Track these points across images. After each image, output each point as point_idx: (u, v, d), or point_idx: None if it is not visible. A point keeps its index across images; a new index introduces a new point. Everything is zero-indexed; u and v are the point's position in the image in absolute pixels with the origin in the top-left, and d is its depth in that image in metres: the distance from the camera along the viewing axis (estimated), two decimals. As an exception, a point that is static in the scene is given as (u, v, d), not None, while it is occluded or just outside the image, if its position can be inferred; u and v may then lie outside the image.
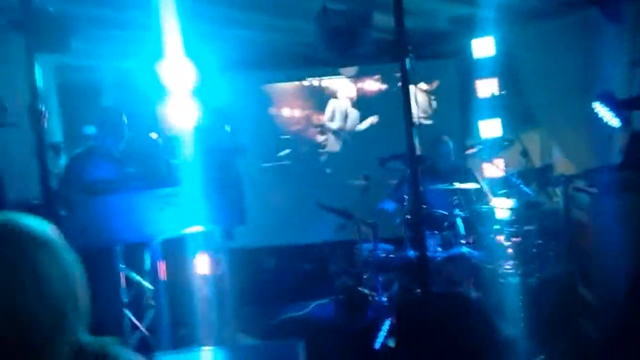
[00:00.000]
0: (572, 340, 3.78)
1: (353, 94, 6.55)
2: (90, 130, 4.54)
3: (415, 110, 3.28)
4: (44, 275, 1.00)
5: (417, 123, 5.97)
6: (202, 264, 4.34)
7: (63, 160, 4.39)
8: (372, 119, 6.46)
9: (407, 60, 3.42)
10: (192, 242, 4.18)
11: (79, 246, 3.39)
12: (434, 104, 6.52)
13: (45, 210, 3.29)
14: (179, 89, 4.79)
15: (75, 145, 4.45)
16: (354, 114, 6.57)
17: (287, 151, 6.36)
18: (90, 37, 4.88)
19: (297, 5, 4.84)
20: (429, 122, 6.39)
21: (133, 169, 4.17)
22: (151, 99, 5.02)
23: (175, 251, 4.11)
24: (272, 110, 6.44)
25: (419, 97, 6.38)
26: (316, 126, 6.53)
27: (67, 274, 1.05)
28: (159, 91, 4.82)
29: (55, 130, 5.36)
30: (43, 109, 3.29)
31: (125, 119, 4.19)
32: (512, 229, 4.15)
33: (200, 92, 4.93)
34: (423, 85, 6.53)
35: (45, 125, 3.34)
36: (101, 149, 4.16)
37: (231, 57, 5.94)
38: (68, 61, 5.36)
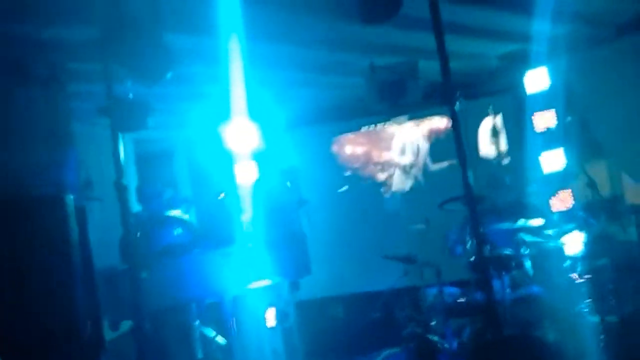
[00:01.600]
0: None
1: (424, 129, 6.59)
2: (167, 193, 4.91)
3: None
4: None
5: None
6: (271, 318, 4.48)
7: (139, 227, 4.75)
8: (449, 162, 6.38)
9: (457, 103, 3.53)
10: (261, 296, 4.36)
11: (159, 305, 3.68)
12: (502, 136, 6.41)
13: (129, 274, 3.60)
14: (245, 150, 5.13)
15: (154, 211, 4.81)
16: (425, 149, 6.56)
17: (345, 188, 6.43)
18: (163, 112, 5.36)
19: (349, 64, 5.11)
20: (493, 157, 6.29)
21: (203, 230, 4.47)
22: (219, 161, 5.39)
23: (246, 306, 4.29)
24: (335, 161, 6.64)
25: (486, 131, 6.33)
26: (377, 164, 6.59)
27: None
28: (227, 154, 5.18)
29: (132, 198, 5.84)
30: (126, 183, 3.66)
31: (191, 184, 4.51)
32: (584, 265, 3.99)
33: (265, 152, 5.24)
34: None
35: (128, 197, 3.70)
36: (174, 213, 4.51)
37: (293, 116, 6.30)
38: (145, 134, 5.89)
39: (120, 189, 3.67)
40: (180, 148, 6.50)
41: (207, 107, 5.57)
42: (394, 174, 6.64)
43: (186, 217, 4.50)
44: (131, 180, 5.90)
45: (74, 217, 3.38)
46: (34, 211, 3.35)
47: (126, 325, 3.97)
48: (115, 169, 3.76)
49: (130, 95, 4.24)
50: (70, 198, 3.38)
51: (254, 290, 4.22)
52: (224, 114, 5.04)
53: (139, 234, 4.20)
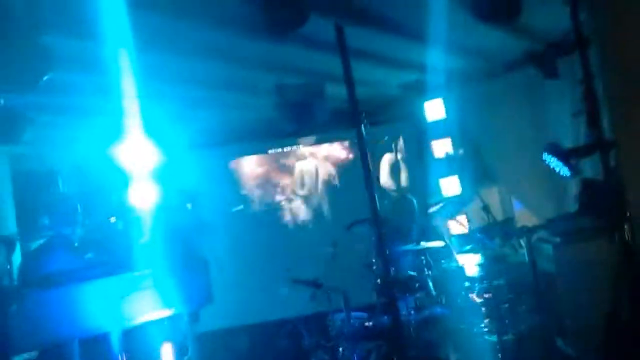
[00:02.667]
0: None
1: (321, 155, 6.60)
2: (45, 220, 4.39)
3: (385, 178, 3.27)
4: None
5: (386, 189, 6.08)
6: (168, 353, 4.10)
7: (17, 254, 4.20)
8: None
9: (362, 127, 3.53)
10: (156, 329, 3.98)
11: (33, 343, 3.17)
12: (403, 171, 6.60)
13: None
14: (139, 171, 4.76)
15: (31, 236, 4.29)
16: (326, 175, 6.59)
17: (240, 207, 6.25)
18: (43, 125, 4.83)
19: (254, 83, 4.98)
20: (393, 190, 6.45)
21: (93, 256, 4.02)
22: (109, 183, 4.95)
23: (138, 340, 3.88)
24: (238, 185, 6.43)
25: (387, 165, 6.49)
26: (280, 188, 6.50)
27: None
28: (118, 174, 4.76)
29: (9, 221, 5.18)
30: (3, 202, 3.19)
31: (78, 206, 4.08)
32: (482, 285, 4.14)
33: (162, 173, 4.90)
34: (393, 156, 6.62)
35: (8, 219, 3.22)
36: (58, 239, 4.01)
37: (193, 136, 6.00)
38: (21, 150, 5.28)
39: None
40: (66, 167, 5.90)
41: (98, 123, 5.13)
42: (295, 201, 6.57)
43: (72, 241, 4.01)
44: (7, 201, 5.26)
45: None
46: None
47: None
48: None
49: (2, 102, 3.75)
50: None
51: (147, 323, 3.83)
52: (117, 131, 4.65)
53: (9, 260, 3.67)
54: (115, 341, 3.62)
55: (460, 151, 5.99)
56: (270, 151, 6.54)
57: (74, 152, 5.73)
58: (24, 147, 4.88)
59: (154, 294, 3.76)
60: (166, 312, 3.78)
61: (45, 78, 3.11)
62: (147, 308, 3.70)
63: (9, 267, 3.64)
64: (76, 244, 4.08)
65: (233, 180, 6.41)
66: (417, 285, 4.13)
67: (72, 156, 5.71)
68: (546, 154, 3.74)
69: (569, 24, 3.71)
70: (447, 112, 6.02)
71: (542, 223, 4.58)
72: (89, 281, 3.55)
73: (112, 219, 4.57)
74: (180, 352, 4.15)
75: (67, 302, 3.44)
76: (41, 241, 4.03)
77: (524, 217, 5.24)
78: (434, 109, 6.07)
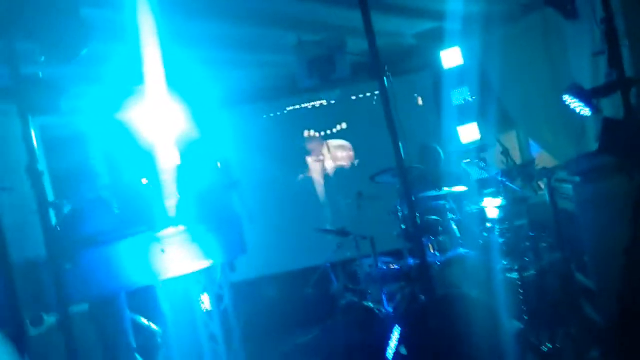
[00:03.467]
0: (576, 326, 3.88)
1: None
2: (81, 184, 4.61)
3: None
4: None
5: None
6: (206, 301, 4.38)
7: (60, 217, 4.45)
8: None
9: (384, 79, 3.61)
10: (195, 280, 4.24)
11: (86, 297, 3.46)
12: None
13: (51, 266, 3.36)
14: (170, 132, 4.91)
15: (69, 201, 4.51)
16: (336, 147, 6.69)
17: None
18: (76, 94, 5.00)
19: (275, 41, 5.03)
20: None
21: (128, 216, 4.24)
22: (140, 145, 5.12)
23: (179, 291, 4.16)
24: (263, 141, 6.57)
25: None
26: (306, 142, 6.61)
27: None
28: (148, 136, 4.93)
29: (47, 188, 5.42)
30: (41, 169, 3.39)
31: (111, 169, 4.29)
32: (504, 226, 4.27)
33: (191, 133, 5.05)
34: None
35: (44, 184, 3.43)
36: (96, 202, 4.24)
37: (220, 95, 6.11)
38: (53, 119, 5.46)
39: (35, 176, 3.40)
40: (93, 132, 6.09)
41: (127, 88, 5.27)
42: (322, 156, 6.68)
43: (110, 203, 4.24)
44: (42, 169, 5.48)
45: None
46: None
47: (51, 319, 3.72)
48: (27, 154, 3.46)
49: (41, 75, 3.90)
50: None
51: (186, 275, 4.09)
52: (147, 96, 4.79)
53: (60, 223, 3.92)
54: (158, 292, 3.90)
55: (480, 96, 6.01)
56: (291, 108, 6.64)
57: (105, 117, 5.89)
58: (56, 116, 5.07)
59: (191, 248, 4.00)
60: (203, 264, 4.03)
61: (85, 50, 3.25)
62: (185, 261, 3.94)
63: (59, 229, 3.88)
64: (113, 205, 4.32)
65: (260, 137, 6.55)
66: (440, 228, 4.29)
67: (103, 122, 5.88)
68: (567, 95, 3.77)
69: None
70: (464, 59, 6.01)
71: (562, 164, 4.66)
72: (131, 238, 3.80)
73: (144, 180, 4.77)
74: (217, 301, 4.43)
75: (113, 258, 3.70)
76: (79, 205, 4.27)
77: (544, 159, 5.30)
78: (451, 57, 6.06)
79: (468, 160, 5.18)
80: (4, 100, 3.81)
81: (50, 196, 5.45)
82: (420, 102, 6.63)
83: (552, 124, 5.44)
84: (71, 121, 5.75)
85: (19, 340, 3.27)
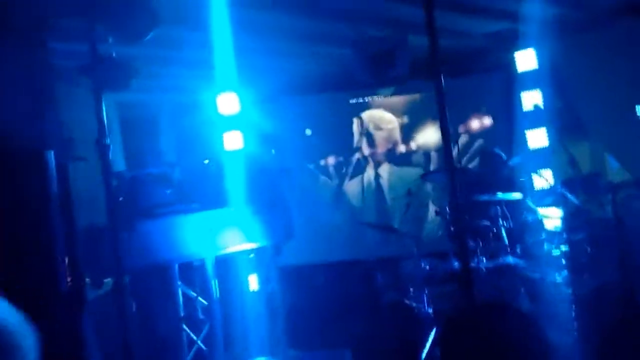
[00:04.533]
0: (630, 352, 3.65)
1: (399, 105, 6.62)
2: (148, 160, 4.90)
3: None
4: None
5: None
6: (253, 281, 4.53)
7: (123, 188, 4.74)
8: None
9: (441, 79, 3.54)
10: (244, 260, 4.40)
11: (140, 265, 3.70)
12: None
13: (111, 233, 3.61)
14: (230, 118, 5.12)
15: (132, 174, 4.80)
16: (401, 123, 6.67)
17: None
18: (148, 75, 5.30)
19: (333, 34, 5.07)
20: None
21: (190, 193, 4.47)
22: (206, 127, 5.37)
23: (228, 269, 4.34)
24: (317, 132, 6.64)
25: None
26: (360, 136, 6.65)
27: None
28: (211, 120, 5.16)
29: (118, 160, 5.80)
30: (108, 142, 3.64)
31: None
32: (560, 239, 4.08)
33: (249, 120, 5.23)
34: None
35: (110, 157, 3.69)
36: (158, 175, 4.50)
37: (277, 85, 6.25)
38: (129, 97, 5.82)
39: (102, 148, 3.66)
40: (165, 114, 6.45)
41: (195, 74, 5.52)
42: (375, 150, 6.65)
43: (171, 179, 4.49)
44: (115, 143, 5.87)
45: (54, 173, 3.36)
46: (13, 165, 3.32)
47: (110, 284, 4.00)
48: (98, 128, 3.73)
49: (114, 55, 4.18)
50: (50, 154, 3.36)
51: (237, 254, 4.25)
52: (211, 81, 5.01)
53: (122, 193, 4.19)
54: (209, 267, 4.09)
55: (552, 102, 5.74)
56: (347, 101, 6.64)
57: (175, 100, 6.22)
58: (130, 95, 5.41)
59: (242, 229, 4.16)
60: (252, 245, 4.18)
61: (152, 33, 3.46)
62: (236, 240, 4.11)
63: (120, 199, 4.16)
64: (173, 181, 4.56)
65: (316, 127, 6.60)
66: (490, 234, 4.16)
67: (172, 104, 6.21)
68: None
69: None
70: (539, 62, 5.76)
71: (633, 179, 4.38)
72: (187, 214, 4.01)
73: (207, 161, 5.00)
74: (264, 282, 4.57)
75: (169, 231, 3.92)
76: (141, 177, 4.54)
77: (619, 174, 5.00)
78: (525, 59, 5.83)
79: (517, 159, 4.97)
80: (82, 77, 4.11)
81: (119, 167, 5.85)
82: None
83: (629, 138, 5.12)
84: (145, 100, 6.09)
85: (77, 301, 3.56)
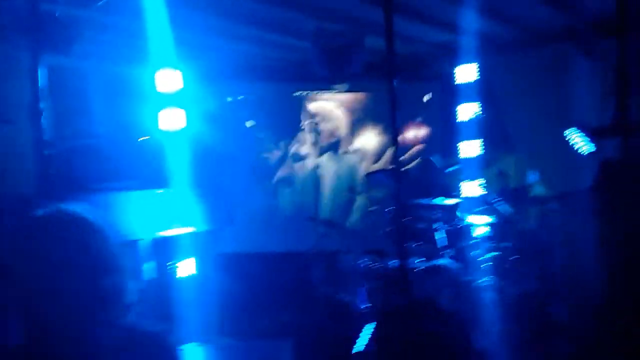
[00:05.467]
0: (540, 354, 3.95)
1: (347, 102, 6.68)
2: (78, 129, 4.60)
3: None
4: (89, 261, 1.05)
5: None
6: (190, 266, 4.40)
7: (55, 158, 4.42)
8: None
9: (394, 81, 3.62)
10: (182, 243, 4.26)
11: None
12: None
13: (34, 204, 3.34)
14: (171, 93, 4.91)
15: (64, 143, 4.48)
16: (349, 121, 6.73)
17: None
18: (86, 41, 4.95)
19: (290, 23, 5.03)
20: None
21: (125, 170, 4.24)
22: (143, 102, 5.11)
23: (164, 251, 4.17)
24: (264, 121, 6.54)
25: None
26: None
27: (112, 260, 1.11)
28: (151, 95, 4.92)
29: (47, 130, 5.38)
30: (42, 106, 3.37)
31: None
32: (489, 245, 4.34)
33: (192, 98, 5.05)
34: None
35: (44, 122, 3.42)
36: (93, 148, 4.23)
37: (224, 66, 6.08)
38: (61, 62, 5.41)
39: (36, 112, 3.39)
40: (99, 85, 6.05)
41: (136, 45, 5.24)
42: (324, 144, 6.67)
43: (107, 154, 4.23)
44: (45, 110, 5.44)
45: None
46: None
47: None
48: (31, 90, 3.44)
49: (57, 14, 3.88)
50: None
51: (174, 237, 4.10)
52: (153, 55, 4.78)
53: (54, 164, 3.89)
54: (145, 249, 3.91)
55: (485, 115, 6.06)
56: (296, 94, 6.62)
57: (111, 71, 5.86)
58: (64, 60, 5.02)
59: (181, 211, 4.01)
60: (191, 229, 4.05)
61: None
62: (175, 223, 3.96)
63: (51, 171, 3.86)
64: (110, 157, 4.31)
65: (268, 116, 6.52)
66: (426, 236, 4.34)
67: (109, 74, 5.84)
68: (574, 129, 3.84)
69: (613, 4, 3.73)
70: (477, 76, 6.06)
71: (555, 194, 4.74)
72: (125, 192, 3.81)
73: (144, 138, 4.76)
74: (201, 268, 4.44)
75: (104, 208, 3.69)
76: (74, 148, 4.25)
77: (537, 187, 5.38)
78: (465, 73, 6.10)
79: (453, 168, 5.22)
80: (17, 33, 3.77)
81: (48, 135, 5.43)
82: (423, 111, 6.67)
83: (551, 155, 5.51)
84: (81, 67, 5.70)
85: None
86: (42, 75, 5.36)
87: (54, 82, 5.56)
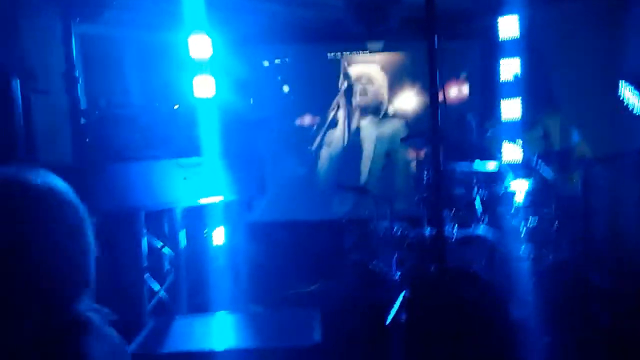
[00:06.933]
0: (580, 324, 3.82)
1: (385, 63, 6.43)
2: (109, 99, 4.62)
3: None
4: (49, 237, 0.89)
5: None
6: (220, 235, 4.44)
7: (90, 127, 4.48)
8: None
9: (435, 39, 3.43)
10: (212, 212, 4.29)
11: (105, 210, 3.52)
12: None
13: (75, 172, 3.41)
14: (202, 60, 4.85)
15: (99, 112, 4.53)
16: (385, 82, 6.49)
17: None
18: (117, 8, 4.92)
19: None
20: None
21: (157, 138, 4.26)
22: (174, 70, 5.08)
23: (196, 220, 4.22)
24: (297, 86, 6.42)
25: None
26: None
27: (76, 236, 0.94)
28: (183, 63, 4.88)
29: (81, 98, 5.46)
30: (77, 75, 3.39)
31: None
32: (529, 212, 4.16)
33: (223, 65, 4.98)
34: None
35: (79, 92, 3.44)
36: (126, 116, 4.25)
37: (255, 30, 5.94)
38: (94, 31, 5.42)
39: (71, 81, 3.41)
40: (132, 52, 6.05)
41: (167, 10, 5.17)
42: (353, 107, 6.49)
43: (140, 122, 4.24)
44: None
45: (20, 103, 3.12)
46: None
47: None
48: (65, 60, 3.46)
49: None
50: (17, 82, 3.10)
51: (205, 206, 4.13)
52: (184, 22, 4.71)
53: (89, 132, 3.95)
54: (176, 217, 3.96)
55: (529, 72, 5.73)
56: (331, 54, 6.41)
57: (143, 38, 5.83)
58: (96, 28, 5.03)
59: (213, 180, 4.02)
60: (221, 198, 4.06)
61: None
62: (206, 192, 3.97)
63: (87, 138, 3.93)
64: (143, 125, 4.33)
65: (298, 79, 6.30)
66: (464, 203, 4.20)
67: (140, 42, 5.83)
68: (625, 82, 3.55)
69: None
70: (521, 30, 5.70)
71: (601, 157, 4.47)
72: (157, 160, 3.83)
73: (176, 106, 4.75)
74: (231, 236, 4.48)
75: (138, 176, 3.74)
76: (109, 117, 4.28)
77: (583, 149, 5.09)
78: (507, 27, 5.75)
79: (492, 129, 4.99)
80: (50, 3, 3.78)
81: (83, 104, 5.52)
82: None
83: (599, 114, 5.18)
84: (111, 35, 5.70)
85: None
86: (75, 45, 5.42)
87: (88, 51, 5.63)
